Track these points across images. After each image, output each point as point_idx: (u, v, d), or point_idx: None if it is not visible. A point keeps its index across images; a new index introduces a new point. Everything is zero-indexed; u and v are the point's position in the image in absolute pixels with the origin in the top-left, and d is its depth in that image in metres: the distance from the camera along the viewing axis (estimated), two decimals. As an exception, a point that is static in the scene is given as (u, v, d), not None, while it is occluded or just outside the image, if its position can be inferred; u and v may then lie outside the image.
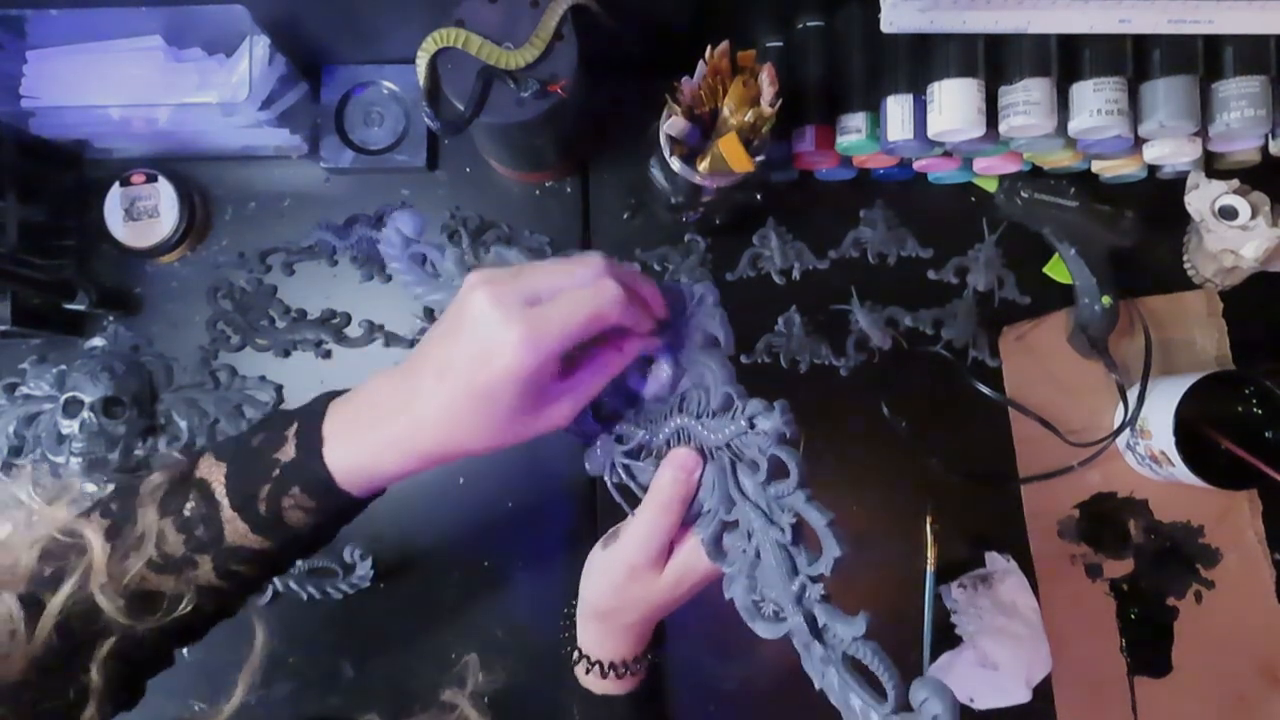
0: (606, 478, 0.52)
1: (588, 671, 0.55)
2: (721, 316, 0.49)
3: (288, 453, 0.45)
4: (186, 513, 0.45)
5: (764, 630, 0.45)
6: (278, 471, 0.45)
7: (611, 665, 0.54)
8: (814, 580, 0.42)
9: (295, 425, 0.46)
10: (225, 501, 0.45)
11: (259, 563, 0.47)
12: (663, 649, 0.58)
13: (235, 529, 0.45)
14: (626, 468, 0.51)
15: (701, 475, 0.48)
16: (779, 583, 0.43)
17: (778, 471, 0.45)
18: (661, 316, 0.48)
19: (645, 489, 0.50)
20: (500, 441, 0.44)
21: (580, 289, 0.44)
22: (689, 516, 0.49)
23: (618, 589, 0.51)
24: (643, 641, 0.55)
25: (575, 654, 0.56)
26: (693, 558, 0.50)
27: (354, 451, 0.45)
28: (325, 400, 0.47)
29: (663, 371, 0.49)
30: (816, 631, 0.42)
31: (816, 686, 0.42)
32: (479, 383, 0.42)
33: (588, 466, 0.53)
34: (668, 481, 0.48)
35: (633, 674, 0.55)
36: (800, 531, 0.44)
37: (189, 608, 0.46)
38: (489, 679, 0.58)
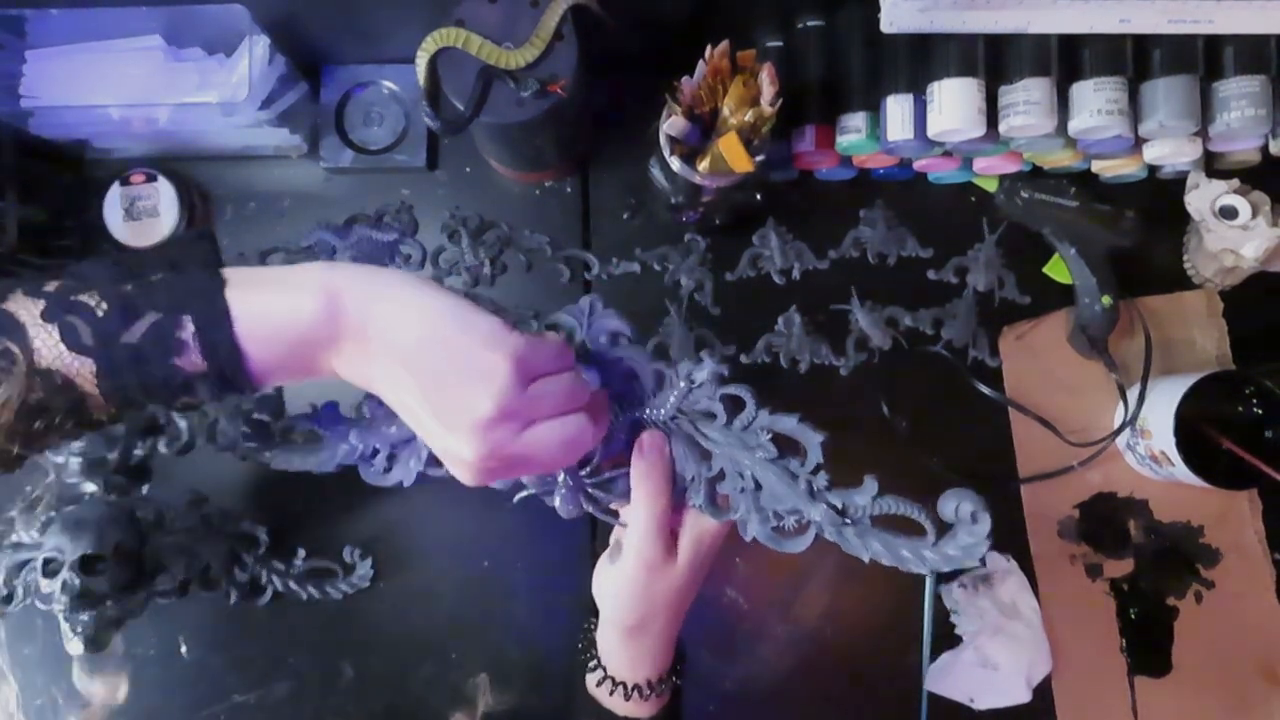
0: (588, 508, 0.51)
1: (611, 694, 0.54)
2: (616, 313, 0.50)
3: (193, 363, 0.39)
4: (33, 402, 0.39)
5: (796, 546, 0.48)
6: (183, 380, 0.40)
7: (637, 687, 0.53)
8: (814, 473, 0.47)
9: (190, 324, 0.39)
10: (98, 396, 0.39)
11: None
12: (684, 670, 0.57)
13: (105, 411, 0.40)
14: (600, 486, 0.51)
15: (670, 451, 0.50)
16: (788, 493, 0.47)
17: (734, 408, 0.48)
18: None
19: (625, 496, 0.50)
20: None
21: (566, 437, 0.43)
22: (676, 494, 0.50)
23: (642, 594, 0.51)
24: (669, 655, 0.55)
25: (599, 676, 0.55)
26: (698, 527, 0.51)
27: (279, 370, 0.41)
28: (216, 287, 0.40)
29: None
30: (840, 513, 0.47)
31: (865, 560, 0.46)
32: (447, 440, 0.42)
33: (563, 513, 0.51)
34: (645, 469, 0.49)
35: (658, 695, 0.54)
36: (778, 444, 0.48)
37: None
38: (503, 694, 0.57)
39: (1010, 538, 0.76)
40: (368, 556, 0.76)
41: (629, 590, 0.52)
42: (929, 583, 0.75)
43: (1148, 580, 0.76)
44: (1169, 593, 0.76)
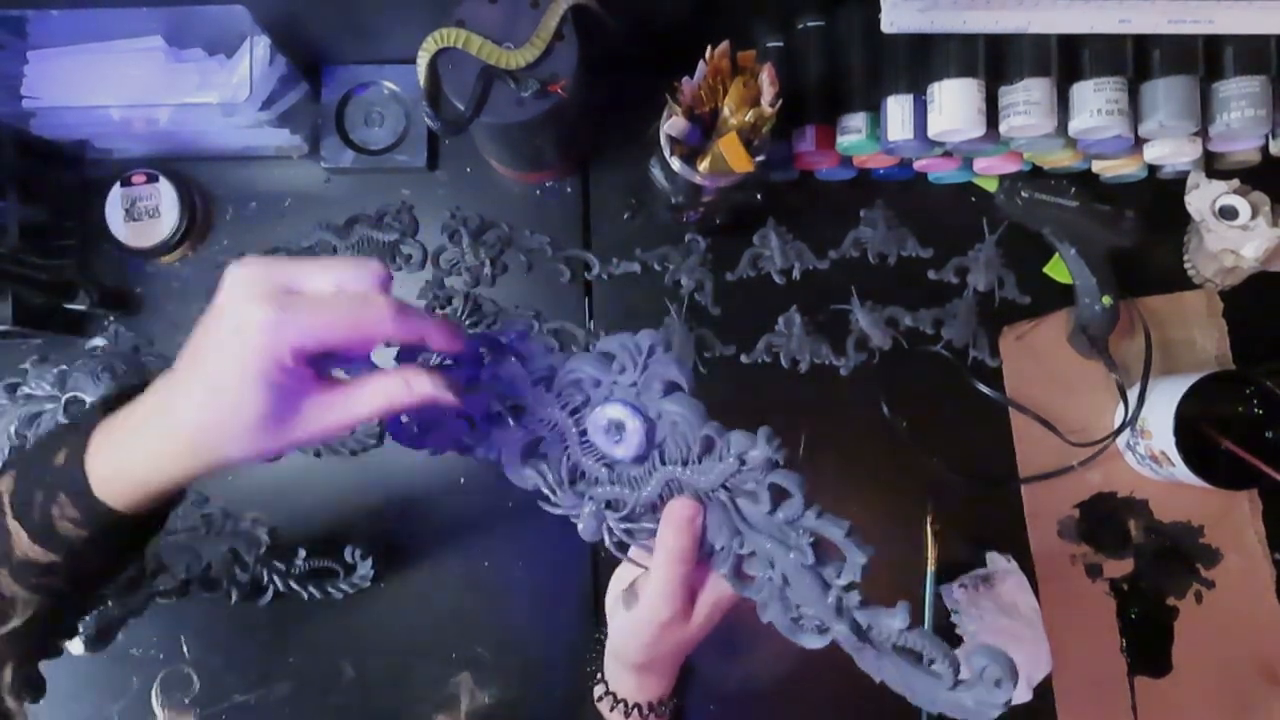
0: (606, 539, 0.49)
1: (612, 709, 0.55)
2: (676, 360, 0.47)
3: (60, 457, 0.43)
4: None
5: (810, 642, 0.46)
6: (49, 477, 0.42)
7: (638, 706, 0.54)
8: (847, 589, 0.43)
9: (78, 429, 0.43)
10: (10, 510, 0.43)
11: (58, 576, 0.44)
12: (687, 688, 0.58)
13: (19, 539, 0.43)
14: (626, 530, 0.49)
15: (703, 519, 0.47)
16: (814, 600, 0.44)
17: (779, 496, 0.45)
18: (454, 349, 0.45)
19: (646, 546, 0.49)
20: (257, 447, 0.41)
21: (345, 293, 0.41)
22: (702, 555, 0.48)
23: (651, 645, 0.51)
24: (673, 680, 0.55)
25: (602, 690, 0.55)
26: (718, 590, 0.50)
27: (116, 460, 0.42)
28: (112, 401, 0.44)
29: (634, 431, 0.47)
30: (863, 635, 0.43)
31: (876, 680, 0.44)
32: (227, 371, 0.39)
33: (582, 534, 0.49)
34: (672, 536, 0.47)
35: (658, 715, 0.55)
36: (820, 547, 0.44)
37: (20, 621, 0.44)
38: (485, 691, 0.58)
39: (1010, 538, 0.76)
40: (368, 556, 0.75)
41: (640, 639, 0.51)
42: (929, 583, 0.75)
43: (1148, 580, 0.76)
44: (1169, 593, 0.76)
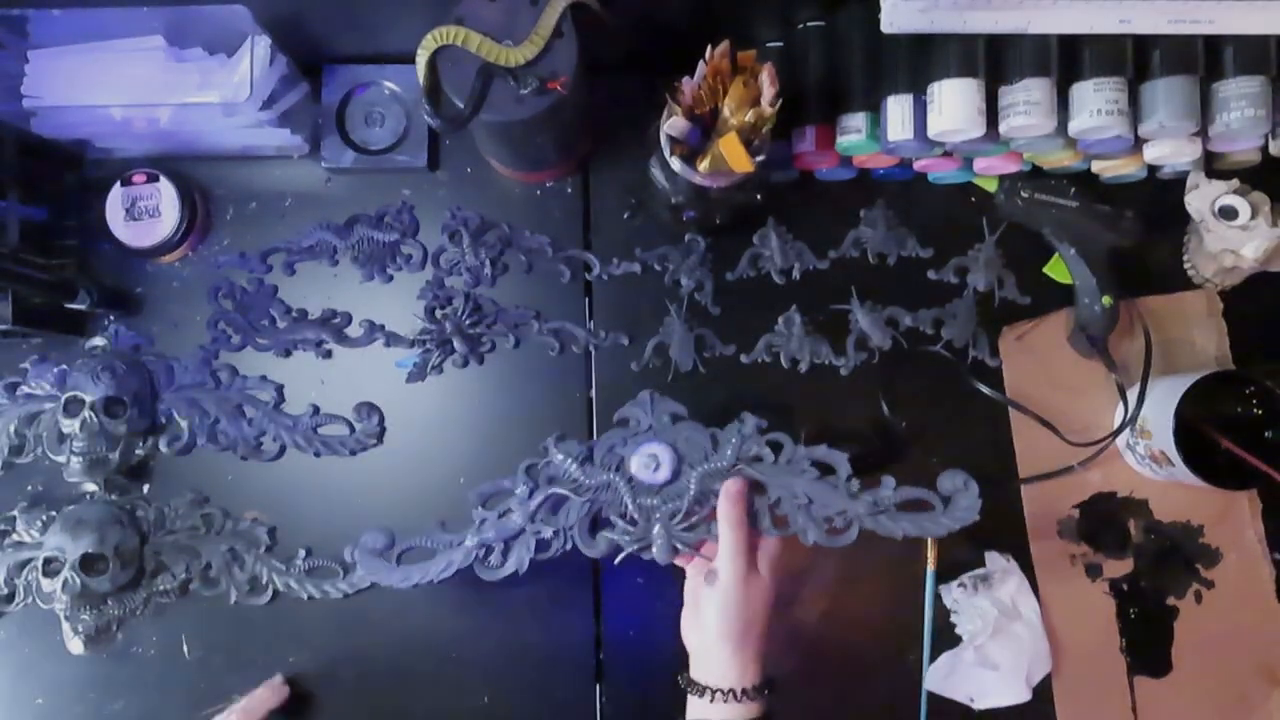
0: (680, 548, 0.65)
1: (712, 701, 0.61)
2: (668, 399, 0.67)
3: None
4: None
5: (845, 540, 0.64)
6: None
7: (732, 691, 0.60)
8: (848, 480, 0.65)
9: None
10: None
11: None
12: (772, 692, 0.63)
13: None
14: (688, 529, 0.65)
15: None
16: (835, 501, 0.64)
17: (775, 449, 0.66)
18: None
19: (706, 534, 0.65)
20: None
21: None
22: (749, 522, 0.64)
23: (742, 602, 0.61)
24: (761, 666, 0.62)
25: (696, 694, 0.62)
26: (768, 546, 0.65)
27: None
28: None
29: (665, 454, 0.65)
30: (875, 507, 0.64)
31: (899, 538, 0.64)
32: None
33: (658, 558, 0.65)
34: (730, 507, 0.63)
35: (752, 700, 0.61)
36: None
37: None
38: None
39: (1010, 538, 0.76)
40: (368, 556, 0.76)
41: (731, 601, 0.61)
42: (929, 583, 0.75)
43: (1148, 580, 0.76)
44: (1169, 593, 0.76)
